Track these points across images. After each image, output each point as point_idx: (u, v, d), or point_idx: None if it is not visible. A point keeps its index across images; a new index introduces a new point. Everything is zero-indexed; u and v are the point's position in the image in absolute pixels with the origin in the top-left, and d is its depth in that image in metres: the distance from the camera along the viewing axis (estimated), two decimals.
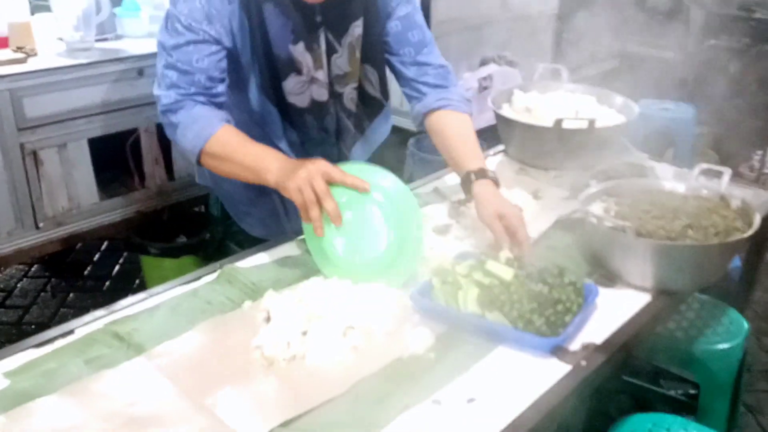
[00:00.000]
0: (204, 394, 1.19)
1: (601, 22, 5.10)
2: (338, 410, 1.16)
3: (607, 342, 1.32)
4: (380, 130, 1.87)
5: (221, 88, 1.59)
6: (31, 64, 2.63)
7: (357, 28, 1.65)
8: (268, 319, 1.37)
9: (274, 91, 1.65)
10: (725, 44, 4.30)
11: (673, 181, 1.73)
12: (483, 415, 1.14)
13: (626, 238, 1.43)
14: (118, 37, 3.10)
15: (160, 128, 2.99)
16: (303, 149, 1.74)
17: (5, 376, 1.21)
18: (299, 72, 1.64)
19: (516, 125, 2.13)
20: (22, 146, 2.60)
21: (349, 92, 1.73)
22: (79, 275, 3.36)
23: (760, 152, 4.44)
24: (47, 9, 2.95)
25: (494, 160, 2.23)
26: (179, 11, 1.52)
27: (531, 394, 1.18)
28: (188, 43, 1.52)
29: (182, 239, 3.16)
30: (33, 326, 2.99)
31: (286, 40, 1.59)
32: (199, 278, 1.55)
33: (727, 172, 1.63)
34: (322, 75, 1.66)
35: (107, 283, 3.31)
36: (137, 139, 2.96)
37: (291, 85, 1.64)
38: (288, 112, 1.69)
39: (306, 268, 1.57)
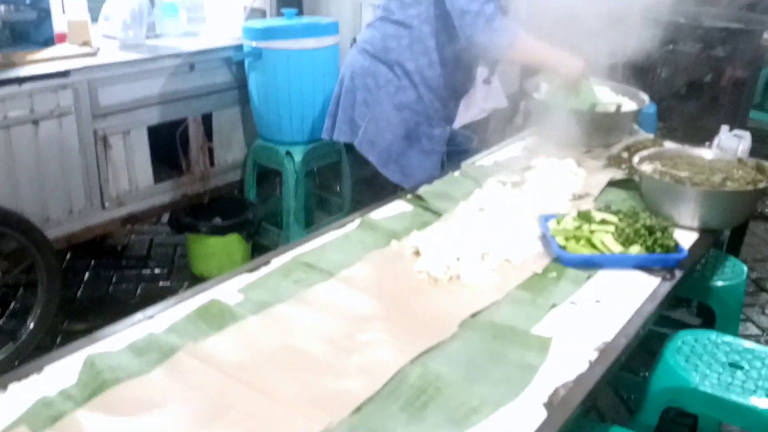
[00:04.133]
0: (395, 301, 1.54)
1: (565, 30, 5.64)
2: (503, 311, 1.53)
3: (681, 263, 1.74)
4: None
5: None
6: (101, 58, 2.88)
7: None
8: (417, 253, 1.73)
9: None
10: (680, 49, 4.87)
11: (697, 149, 2.18)
12: (611, 312, 1.54)
13: (684, 188, 1.87)
14: (158, 36, 3.35)
15: (206, 118, 3.28)
16: None
17: (239, 292, 1.53)
18: None
19: (556, 109, 2.54)
20: (95, 132, 2.85)
21: None
22: (116, 257, 3.58)
23: (708, 143, 5.06)
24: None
25: (530, 141, 2.65)
26: None
27: (639, 297, 1.59)
28: None
29: (217, 221, 3.43)
30: (87, 301, 3.20)
31: None
32: (343, 226, 1.88)
33: (746, 138, 2.09)
34: None
35: (147, 263, 3.54)
36: (186, 129, 3.23)
37: None
38: None
39: (423, 217, 1.95)
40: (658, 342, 1.90)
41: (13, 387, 1.20)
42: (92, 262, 3.51)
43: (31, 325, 2.65)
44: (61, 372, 1.24)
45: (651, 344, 2.06)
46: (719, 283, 2.26)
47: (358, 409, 1.20)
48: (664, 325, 2.43)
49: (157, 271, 3.45)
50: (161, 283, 3.32)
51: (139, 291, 3.28)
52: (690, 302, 3.15)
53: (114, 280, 3.37)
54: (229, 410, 1.16)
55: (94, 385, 1.19)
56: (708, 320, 2.53)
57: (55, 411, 1.13)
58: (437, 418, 1.19)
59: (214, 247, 3.29)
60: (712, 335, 1.97)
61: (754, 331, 3.18)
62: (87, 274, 3.40)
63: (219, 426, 1.13)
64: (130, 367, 1.24)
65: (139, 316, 1.42)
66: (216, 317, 1.42)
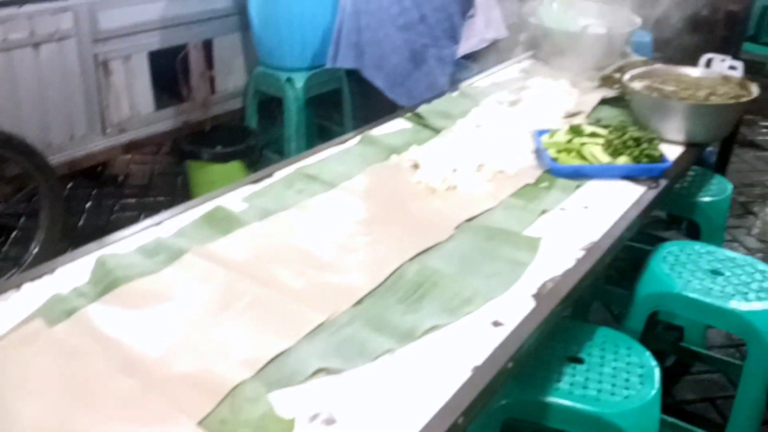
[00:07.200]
0: (395, 207, 1.61)
1: None
2: (496, 216, 1.60)
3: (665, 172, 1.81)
4: None
5: None
6: None
7: None
8: (416, 165, 1.80)
9: None
10: None
11: (685, 68, 2.23)
12: (598, 217, 1.61)
13: (670, 102, 1.93)
14: None
15: (206, 44, 3.30)
16: None
17: (243, 201, 1.60)
18: None
19: (550, 31, 2.57)
20: (95, 57, 2.88)
21: None
22: (118, 186, 3.64)
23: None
24: None
25: (526, 64, 2.69)
26: None
27: (625, 203, 1.66)
28: None
29: (219, 149, 3.47)
30: (90, 230, 3.27)
31: None
32: (344, 142, 1.94)
33: (727, 58, 2.14)
34: None
35: (149, 192, 3.61)
36: (186, 55, 3.25)
37: None
38: None
39: (422, 134, 2.01)
40: (647, 260, 1.98)
41: (27, 286, 1.27)
42: (94, 191, 3.57)
43: (35, 251, 2.72)
44: (72, 272, 1.31)
45: (641, 263, 2.15)
46: (705, 199, 2.34)
47: (359, 302, 1.28)
48: (653, 245, 2.51)
49: (159, 199, 3.52)
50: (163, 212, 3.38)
51: (141, 219, 3.34)
52: (680, 224, 3.24)
53: (116, 208, 3.44)
54: (236, 301, 1.24)
55: (106, 282, 1.26)
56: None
57: (68, 305, 1.20)
58: (433, 307, 1.27)
59: (216, 175, 3.34)
60: (696, 245, 2.06)
61: (742, 251, 3.28)
62: (89, 203, 3.47)
63: (227, 316, 1.21)
64: (140, 266, 1.32)
65: (147, 222, 1.49)
66: (222, 222, 1.49)
